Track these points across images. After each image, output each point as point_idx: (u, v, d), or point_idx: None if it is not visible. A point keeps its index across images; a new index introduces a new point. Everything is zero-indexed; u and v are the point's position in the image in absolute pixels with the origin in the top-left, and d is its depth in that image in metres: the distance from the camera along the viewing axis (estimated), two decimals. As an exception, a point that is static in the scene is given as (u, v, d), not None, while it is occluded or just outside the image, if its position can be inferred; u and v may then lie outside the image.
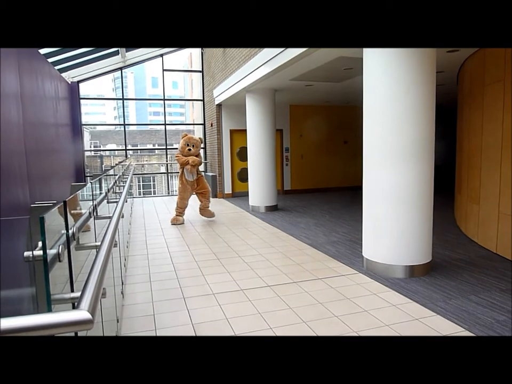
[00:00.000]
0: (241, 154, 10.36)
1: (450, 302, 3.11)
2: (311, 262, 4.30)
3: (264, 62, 6.38)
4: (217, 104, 10.32)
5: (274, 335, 2.62)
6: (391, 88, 3.66)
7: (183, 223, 6.79)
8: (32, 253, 0.87)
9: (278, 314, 2.97)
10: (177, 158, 6.87)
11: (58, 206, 1.01)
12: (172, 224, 6.71)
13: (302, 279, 3.76)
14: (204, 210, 7.06)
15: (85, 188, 2.31)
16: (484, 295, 3.24)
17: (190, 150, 6.76)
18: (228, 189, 10.48)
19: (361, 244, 4.19)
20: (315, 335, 2.62)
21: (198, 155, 6.92)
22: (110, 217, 1.86)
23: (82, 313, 0.70)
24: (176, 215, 6.87)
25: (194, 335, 2.64)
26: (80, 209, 1.57)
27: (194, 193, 7.03)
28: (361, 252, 4.18)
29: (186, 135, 6.95)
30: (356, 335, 2.61)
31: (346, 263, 4.24)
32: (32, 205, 0.98)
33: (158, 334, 2.67)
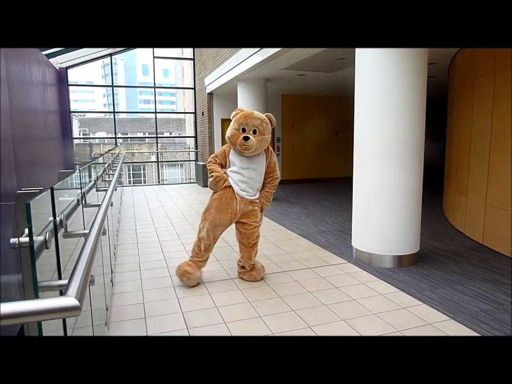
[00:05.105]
0: (232, 143, 10.30)
1: (436, 292, 3.17)
2: (301, 252, 4.32)
3: (256, 50, 6.32)
4: (208, 93, 10.23)
5: (264, 323, 2.65)
6: (382, 79, 3.66)
7: (195, 285, 3.35)
8: (18, 239, 0.85)
9: (268, 303, 3.00)
10: (209, 167, 3.44)
11: (45, 192, 1.00)
12: (179, 277, 3.35)
13: (292, 268, 3.79)
14: (243, 269, 3.52)
15: (73, 176, 2.28)
16: (470, 284, 3.31)
17: (247, 139, 3.17)
18: (218, 179, 10.47)
19: (351, 234, 4.23)
20: (306, 326, 2.65)
21: (268, 152, 3.44)
22: (99, 205, 1.84)
23: (69, 300, 0.70)
24: (189, 261, 3.40)
25: (184, 323, 2.66)
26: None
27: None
28: (351, 242, 4.22)
29: (241, 110, 3.37)
30: (345, 323, 2.65)
31: (336, 253, 4.28)
32: (18, 191, 0.97)
33: (147, 322, 2.67)
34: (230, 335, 2.50)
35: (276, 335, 2.49)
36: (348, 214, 4.23)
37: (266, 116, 3.36)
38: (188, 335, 2.50)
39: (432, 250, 4.31)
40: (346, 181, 6.63)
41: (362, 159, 3.94)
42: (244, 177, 3.32)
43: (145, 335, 2.51)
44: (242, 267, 3.51)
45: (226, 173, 3.38)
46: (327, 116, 11.23)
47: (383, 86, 3.66)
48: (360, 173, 3.99)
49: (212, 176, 3.34)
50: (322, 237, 4.98)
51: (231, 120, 3.40)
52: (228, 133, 3.36)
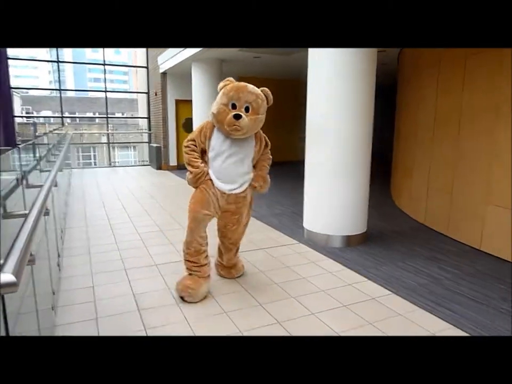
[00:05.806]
0: (186, 125, 10.11)
1: (381, 269, 3.36)
2: (254, 233, 4.38)
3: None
4: (162, 72, 9.92)
5: (216, 303, 2.69)
6: (334, 66, 3.74)
7: (202, 298, 2.73)
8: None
9: (221, 283, 3.04)
10: (186, 154, 2.75)
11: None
12: (179, 294, 2.72)
13: (245, 249, 3.83)
14: (224, 264, 3.13)
15: (14, 155, 2.16)
16: (410, 261, 3.54)
17: (238, 117, 2.53)
18: (172, 161, 10.24)
19: (303, 215, 4.34)
20: (257, 304, 2.71)
21: (258, 137, 2.89)
22: (42, 185, 1.77)
23: (6, 276, 0.68)
24: (188, 273, 2.79)
25: (135, 305, 2.63)
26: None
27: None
28: (302, 223, 4.35)
29: (231, 81, 2.71)
30: (295, 301, 2.74)
31: (288, 233, 4.39)
32: None
33: (97, 305, 2.62)
34: (185, 318, 2.51)
35: (227, 312, 2.54)
36: (301, 196, 4.35)
37: (262, 90, 2.71)
38: (139, 316, 2.48)
39: (379, 231, 4.54)
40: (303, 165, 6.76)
41: (312, 141, 4.05)
42: (228, 165, 2.70)
43: (95, 317, 2.46)
44: (222, 263, 3.13)
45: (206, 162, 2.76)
46: (287, 100, 11.26)
47: (333, 71, 3.75)
48: (310, 155, 4.10)
49: (191, 172, 2.71)
50: (276, 218, 5.08)
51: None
52: (214, 108, 2.65)
